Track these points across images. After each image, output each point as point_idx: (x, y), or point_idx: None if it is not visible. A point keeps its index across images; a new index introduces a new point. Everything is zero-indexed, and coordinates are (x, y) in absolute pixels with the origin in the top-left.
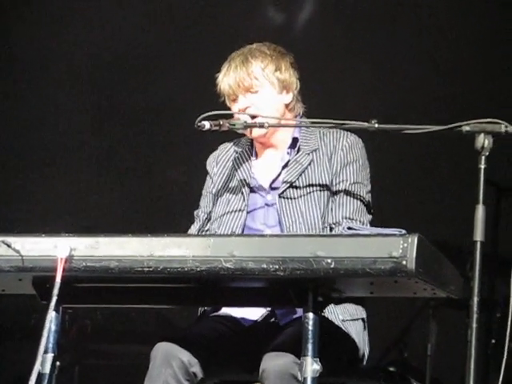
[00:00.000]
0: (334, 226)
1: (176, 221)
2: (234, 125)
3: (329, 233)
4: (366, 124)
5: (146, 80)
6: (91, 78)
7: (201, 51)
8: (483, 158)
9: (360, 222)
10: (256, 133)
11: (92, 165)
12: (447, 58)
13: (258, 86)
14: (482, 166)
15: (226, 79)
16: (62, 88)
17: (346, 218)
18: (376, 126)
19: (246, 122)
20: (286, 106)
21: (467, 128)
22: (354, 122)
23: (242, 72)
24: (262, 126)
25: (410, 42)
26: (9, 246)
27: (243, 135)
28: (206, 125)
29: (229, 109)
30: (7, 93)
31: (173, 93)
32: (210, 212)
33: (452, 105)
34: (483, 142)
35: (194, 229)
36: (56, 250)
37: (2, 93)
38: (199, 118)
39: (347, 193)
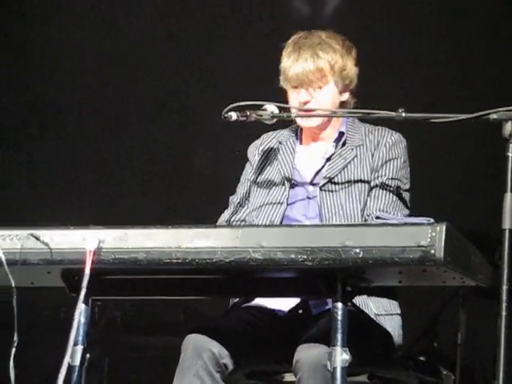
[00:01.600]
0: (367, 217)
1: (203, 210)
2: (261, 115)
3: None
4: (393, 113)
5: (167, 69)
6: (90, 80)
7: (227, 41)
8: (511, 145)
9: (394, 215)
10: (311, 122)
11: (116, 157)
12: (473, 47)
13: (324, 83)
14: (511, 154)
15: (294, 68)
16: (75, 82)
17: (380, 211)
18: (403, 115)
19: (272, 112)
20: (342, 103)
21: (494, 116)
22: (381, 111)
23: (311, 65)
24: (289, 117)
25: (437, 30)
26: (37, 238)
27: (290, 124)
28: (233, 115)
29: (284, 91)
30: (9, 91)
31: (197, 83)
32: (245, 199)
33: (479, 94)
34: (511, 129)
35: (227, 214)
36: (84, 242)
37: (5, 91)
38: (226, 109)
39: (383, 187)
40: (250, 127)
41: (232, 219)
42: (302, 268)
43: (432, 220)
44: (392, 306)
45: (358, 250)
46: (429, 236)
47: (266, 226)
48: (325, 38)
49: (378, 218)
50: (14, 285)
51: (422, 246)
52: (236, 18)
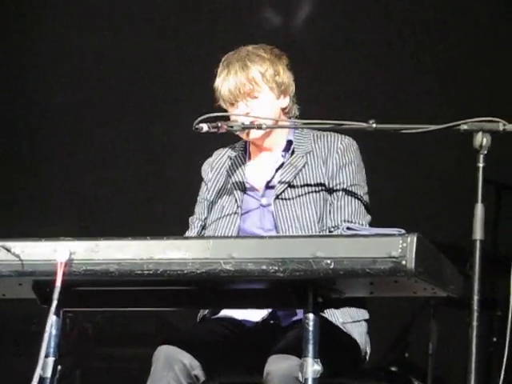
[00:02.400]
0: (333, 229)
1: (175, 223)
2: (232, 126)
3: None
4: (363, 124)
5: (144, 82)
6: (89, 80)
7: (198, 54)
8: (481, 156)
9: (359, 223)
10: (253, 134)
11: (91, 167)
12: (445, 57)
13: (258, 92)
14: (481, 165)
15: (226, 84)
16: (62, 89)
17: (344, 221)
18: (374, 126)
19: (243, 123)
20: (283, 109)
21: (465, 127)
22: (351, 123)
23: (242, 77)
24: (259, 127)
25: (408, 41)
26: (8, 250)
27: (239, 139)
28: (204, 127)
29: (226, 111)
30: (8, 91)
31: (171, 94)
32: (205, 219)
33: (450, 105)
34: (481, 140)
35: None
36: (56, 254)
37: (5, 91)
38: (197, 121)
39: (344, 195)
40: (225, 138)
41: None
42: (274, 279)
43: (403, 231)
44: (359, 312)
45: (329, 261)
46: (400, 247)
47: (236, 237)
48: (252, 50)
49: (348, 228)
50: None
51: (393, 257)
52: (205, 30)
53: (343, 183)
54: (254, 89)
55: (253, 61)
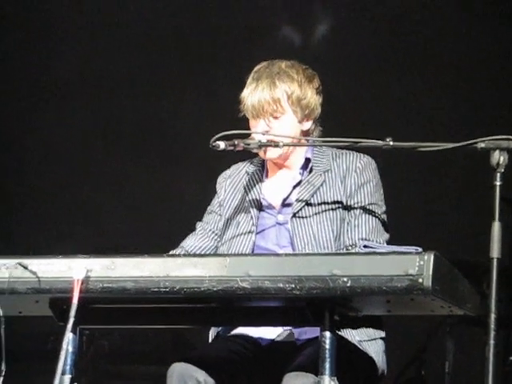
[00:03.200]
0: (350, 247)
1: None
2: (249, 144)
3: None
4: (380, 142)
5: (157, 98)
6: (100, 95)
7: (215, 71)
8: (498, 174)
9: (376, 241)
10: (270, 154)
11: (106, 185)
12: (462, 76)
13: (281, 113)
14: (498, 183)
15: (251, 98)
16: (71, 108)
17: (361, 239)
18: (391, 143)
19: (260, 141)
20: (304, 131)
21: (482, 145)
22: (368, 140)
23: (267, 96)
24: (276, 145)
25: (424, 58)
26: (25, 267)
27: (257, 155)
28: (221, 145)
29: (248, 122)
30: (16, 111)
31: (186, 111)
32: (212, 228)
33: (467, 121)
34: (498, 158)
35: (188, 240)
36: (72, 271)
37: (11, 111)
38: (214, 138)
39: (362, 214)
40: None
41: (203, 246)
42: (290, 297)
43: (420, 249)
44: (375, 330)
45: (345, 279)
46: (417, 265)
47: (253, 254)
48: (284, 68)
49: (365, 246)
50: (1, 314)
51: (410, 275)
52: (226, 47)
53: (361, 202)
54: (277, 109)
55: (282, 80)
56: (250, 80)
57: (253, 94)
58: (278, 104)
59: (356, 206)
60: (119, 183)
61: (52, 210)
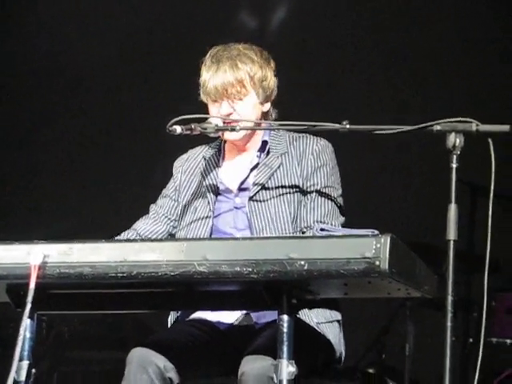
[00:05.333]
0: (305, 229)
1: None
2: (206, 128)
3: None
4: (337, 125)
5: (133, 83)
6: (82, 86)
7: (177, 55)
8: (455, 156)
9: (332, 224)
10: (232, 136)
11: (74, 170)
12: (427, 57)
13: (244, 95)
14: (454, 165)
15: (213, 81)
16: (51, 97)
17: (317, 222)
18: (347, 126)
19: (217, 125)
20: (264, 113)
21: (438, 127)
22: (325, 124)
23: (230, 77)
24: (233, 129)
25: (387, 39)
26: None
27: (215, 139)
28: (178, 129)
29: (205, 104)
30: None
31: (150, 96)
32: (175, 220)
33: (427, 105)
34: (454, 140)
35: (140, 222)
36: (29, 256)
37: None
38: (170, 123)
39: (318, 197)
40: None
41: (155, 230)
42: (248, 281)
43: (376, 232)
44: (332, 313)
45: (302, 263)
46: (373, 248)
47: (210, 238)
48: (243, 50)
49: (322, 229)
50: None
51: (367, 258)
52: (183, 32)
53: (317, 185)
54: (240, 91)
55: (243, 62)
56: (208, 63)
57: (215, 77)
58: (241, 85)
59: (312, 188)
60: (86, 172)
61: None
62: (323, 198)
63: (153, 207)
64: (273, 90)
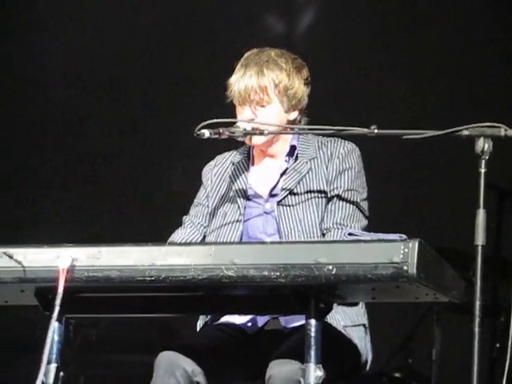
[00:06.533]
0: (325, 231)
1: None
2: (234, 133)
3: (330, 239)
4: (365, 130)
5: (146, 88)
6: (89, 86)
7: (201, 61)
8: (483, 161)
9: (351, 228)
10: (255, 140)
11: (95, 176)
12: (448, 62)
13: (267, 102)
14: (482, 170)
15: (238, 85)
16: (62, 99)
17: (336, 224)
18: (375, 131)
19: (245, 129)
20: (290, 122)
21: (466, 132)
22: (353, 128)
23: (254, 83)
24: (261, 133)
25: (411, 47)
26: (11, 257)
27: (242, 144)
28: (206, 133)
29: (234, 109)
30: (8, 101)
31: (173, 100)
32: (206, 225)
33: (453, 109)
34: (483, 145)
35: (176, 234)
36: (58, 260)
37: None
38: (199, 127)
39: (340, 199)
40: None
41: (193, 239)
42: (275, 285)
43: (405, 236)
44: (358, 316)
45: (330, 267)
46: (401, 252)
47: (238, 243)
48: (273, 56)
49: (350, 234)
50: None
51: (395, 263)
52: (210, 36)
53: (340, 187)
54: (263, 98)
55: (270, 69)
56: (238, 66)
57: (240, 81)
58: (264, 92)
59: (335, 191)
60: (107, 174)
61: (38, 200)
62: (344, 201)
63: (187, 218)
64: (300, 100)
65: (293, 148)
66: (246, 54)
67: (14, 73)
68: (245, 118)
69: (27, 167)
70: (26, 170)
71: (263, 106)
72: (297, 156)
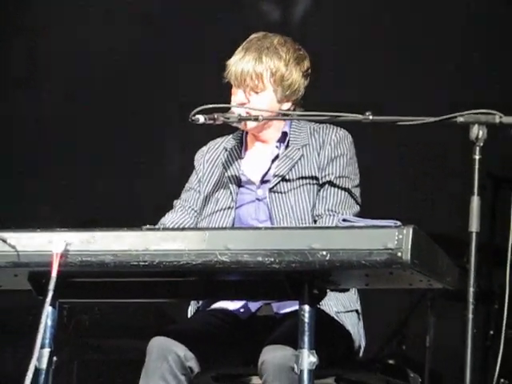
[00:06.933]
0: (317, 218)
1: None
2: (229, 118)
3: (324, 225)
4: (360, 116)
5: (141, 74)
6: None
7: (196, 48)
8: (477, 148)
9: (343, 214)
10: (250, 125)
11: (87, 158)
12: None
13: (261, 90)
14: (477, 157)
15: (235, 67)
16: (54, 80)
17: (328, 210)
18: (370, 117)
19: (240, 115)
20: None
21: (461, 119)
22: (347, 114)
23: (250, 68)
24: (256, 119)
25: (409, 32)
26: (4, 241)
27: (235, 130)
28: (201, 118)
29: (230, 90)
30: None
31: (169, 86)
32: (199, 210)
33: (449, 97)
34: (477, 132)
35: (166, 217)
36: (51, 244)
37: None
38: (193, 112)
39: (331, 186)
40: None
41: (183, 222)
42: (269, 271)
43: (399, 223)
44: (351, 302)
45: (324, 253)
46: (396, 239)
47: (232, 228)
48: (275, 44)
49: (344, 220)
50: None
51: (389, 249)
52: (205, 21)
53: (332, 174)
54: (257, 85)
55: (269, 57)
56: (240, 48)
57: (238, 64)
58: (259, 79)
59: (327, 178)
60: (100, 157)
61: (29, 183)
62: (336, 188)
63: (178, 202)
64: (295, 91)
65: (284, 134)
66: (250, 37)
67: None
68: (237, 100)
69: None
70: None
71: (256, 93)
72: (288, 142)
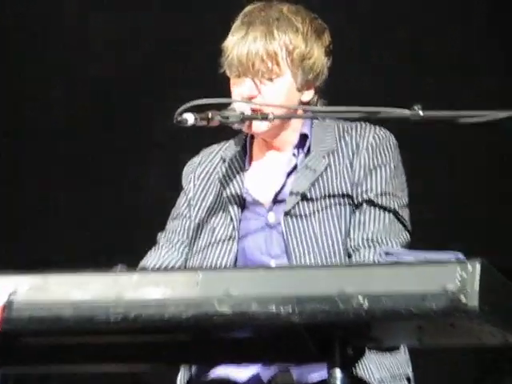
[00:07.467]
0: (352, 251)
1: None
2: (228, 117)
3: (359, 262)
4: (407, 111)
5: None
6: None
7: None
8: None
9: (386, 245)
10: (257, 128)
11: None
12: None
13: (276, 75)
14: None
15: (237, 49)
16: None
17: (366, 241)
18: (421, 113)
19: (243, 113)
20: (303, 103)
21: None
22: (390, 110)
23: (260, 48)
24: (265, 117)
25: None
26: None
27: (237, 133)
28: (190, 119)
29: (227, 79)
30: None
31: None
32: (180, 241)
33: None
34: None
35: (148, 258)
36: None
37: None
38: (180, 110)
39: (370, 207)
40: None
41: (170, 262)
42: (286, 324)
43: (461, 256)
44: (399, 365)
45: (361, 299)
46: (458, 278)
47: (234, 268)
48: (286, 13)
49: (387, 254)
50: None
51: (450, 292)
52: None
53: (371, 191)
54: (271, 69)
55: (282, 30)
56: (238, 24)
57: (241, 44)
58: (273, 61)
59: (364, 196)
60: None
61: None
62: (378, 210)
63: (162, 235)
64: (319, 74)
65: (303, 137)
66: (246, 9)
67: None
68: (244, 94)
69: None
70: None
71: (271, 80)
72: (309, 148)
